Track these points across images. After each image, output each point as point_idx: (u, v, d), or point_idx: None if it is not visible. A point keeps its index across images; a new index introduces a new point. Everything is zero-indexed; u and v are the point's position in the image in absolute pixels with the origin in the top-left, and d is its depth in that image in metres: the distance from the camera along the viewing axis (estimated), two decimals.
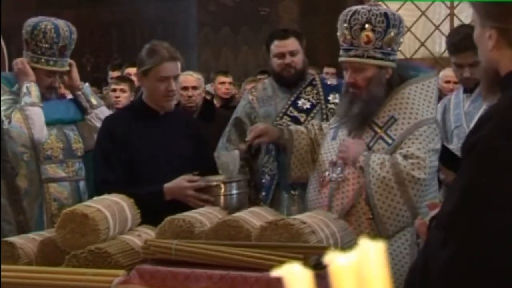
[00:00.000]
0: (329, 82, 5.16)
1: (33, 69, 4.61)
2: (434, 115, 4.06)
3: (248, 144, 4.39)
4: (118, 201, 3.50)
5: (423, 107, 3.99)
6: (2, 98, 4.61)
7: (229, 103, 9.01)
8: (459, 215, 2.07)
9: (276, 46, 5.05)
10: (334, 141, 4.13)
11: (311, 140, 4.31)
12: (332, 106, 5.00)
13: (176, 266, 3.12)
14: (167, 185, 4.06)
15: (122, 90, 7.81)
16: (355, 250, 0.97)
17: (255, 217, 3.40)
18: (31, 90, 4.53)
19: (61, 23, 4.71)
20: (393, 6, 13.05)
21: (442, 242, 2.07)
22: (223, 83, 9.55)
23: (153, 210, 3.63)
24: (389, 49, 3.95)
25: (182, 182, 4.05)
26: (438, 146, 3.98)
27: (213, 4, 12.87)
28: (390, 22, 3.92)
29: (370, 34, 3.90)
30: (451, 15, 12.87)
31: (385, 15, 3.93)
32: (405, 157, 3.82)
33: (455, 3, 12.73)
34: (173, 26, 13.18)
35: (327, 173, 4.02)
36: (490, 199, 2.06)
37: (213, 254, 3.10)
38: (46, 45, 4.59)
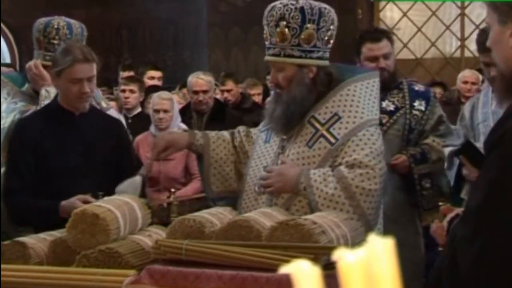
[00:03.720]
0: (416, 88, 5.03)
1: (45, 67, 4.59)
2: (378, 116, 3.86)
3: (152, 162, 4.07)
4: (129, 201, 3.50)
5: (368, 107, 3.78)
6: (14, 99, 4.60)
7: (242, 105, 8.95)
8: (486, 210, 2.06)
9: (369, 49, 4.88)
10: (267, 144, 3.87)
11: (235, 149, 4.01)
12: (417, 112, 4.87)
13: (186, 266, 3.12)
14: (63, 203, 3.84)
15: (132, 91, 7.82)
16: (364, 247, 0.97)
17: (265, 217, 3.39)
18: (51, 94, 4.51)
19: (72, 20, 4.71)
20: (403, 6, 13.04)
21: (470, 237, 2.05)
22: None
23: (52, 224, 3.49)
24: (310, 46, 3.69)
25: (76, 203, 3.75)
26: (383, 148, 3.76)
27: (223, 5, 12.87)
28: (306, 17, 3.65)
29: (285, 30, 3.66)
30: (462, 15, 12.84)
31: (301, 9, 3.66)
32: (352, 166, 3.57)
33: (466, 3, 12.70)
34: (184, 26, 13.20)
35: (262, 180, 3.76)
36: None
37: (223, 254, 3.10)
38: (60, 42, 4.56)
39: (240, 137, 4.03)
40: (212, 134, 4.06)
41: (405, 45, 12.93)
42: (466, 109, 4.86)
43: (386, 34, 4.96)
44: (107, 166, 4.10)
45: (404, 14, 13.04)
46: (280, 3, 3.71)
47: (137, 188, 3.92)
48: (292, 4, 3.68)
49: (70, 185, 3.95)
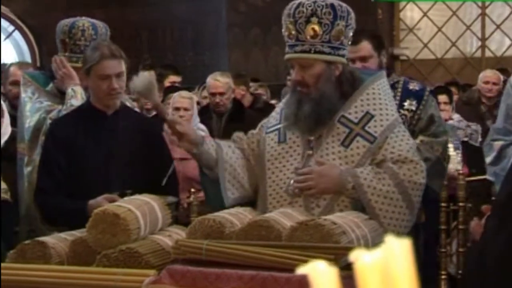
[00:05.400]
0: (411, 87, 4.83)
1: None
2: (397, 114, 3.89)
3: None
4: (149, 201, 3.50)
5: (392, 105, 3.85)
6: (39, 99, 4.62)
7: (254, 105, 8.94)
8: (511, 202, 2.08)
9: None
10: (284, 144, 3.79)
11: (243, 152, 3.89)
12: (405, 112, 4.70)
13: (206, 266, 3.12)
14: (90, 202, 3.86)
15: None
16: (381, 247, 0.97)
17: (285, 217, 3.38)
18: (77, 93, 4.52)
19: (96, 21, 4.71)
20: (424, 6, 13.00)
21: (497, 229, 2.08)
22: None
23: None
24: (338, 43, 3.69)
25: (102, 202, 3.76)
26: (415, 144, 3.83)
27: (243, 5, 12.87)
28: (337, 13, 3.66)
29: (317, 27, 3.64)
30: (483, 15, 12.79)
31: (332, 6, 3.67)
32: (397, 162, 3.63)
33: (487, 3, 12.65)
34: (203, 26, 13.20)
35: (292, 181, 3.68)
36: None
37: (243, 254, 3.10)
38: (86, 43, 4.56)
39: (243, 140, 3.93)
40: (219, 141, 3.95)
41: (425, 45, 12.89)
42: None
43: (368, 36, 4.69)
44: (139, 165, 4.12)
45: (425, 14, 13.00)
46: (307, 0, 3.69)
47: (151, 84, 3.89)
48: (322, 1, 3.68)
49: (102, 185, 3.99)
